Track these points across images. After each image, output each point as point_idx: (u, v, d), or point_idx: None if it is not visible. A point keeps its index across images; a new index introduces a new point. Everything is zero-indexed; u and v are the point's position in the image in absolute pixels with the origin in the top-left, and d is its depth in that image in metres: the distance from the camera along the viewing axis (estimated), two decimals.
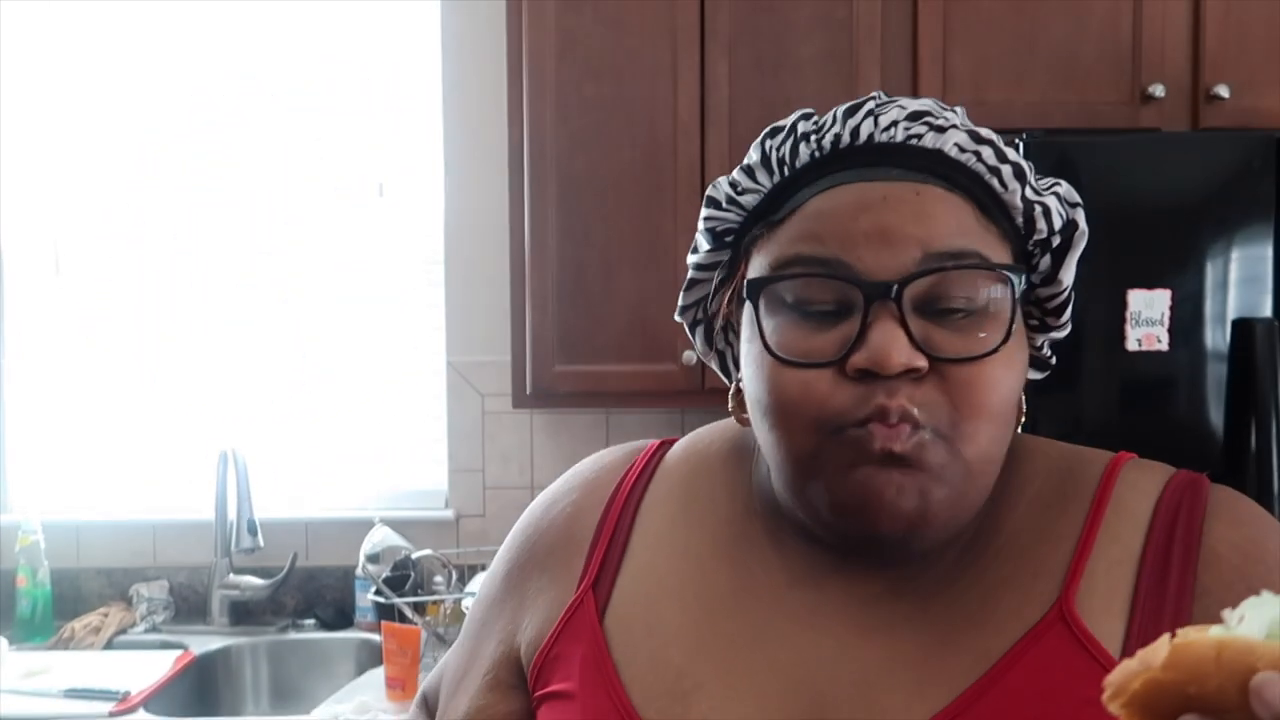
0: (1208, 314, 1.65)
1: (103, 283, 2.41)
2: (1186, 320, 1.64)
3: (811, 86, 2.02)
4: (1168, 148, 1.73)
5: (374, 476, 2.41)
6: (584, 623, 0.69)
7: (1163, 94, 1.99)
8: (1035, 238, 0.66)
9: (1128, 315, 1.63)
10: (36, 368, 2.41)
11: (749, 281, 0.65)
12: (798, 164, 0.66)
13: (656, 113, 2.02)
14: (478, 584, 1.78)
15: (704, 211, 0.70)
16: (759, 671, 0.64)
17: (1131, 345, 1.64)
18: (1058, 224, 0.66)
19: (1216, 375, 1.65)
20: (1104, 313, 1.65)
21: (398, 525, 2.28)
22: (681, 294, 0.74)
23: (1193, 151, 1.69)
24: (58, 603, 2.26)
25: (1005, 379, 0.62)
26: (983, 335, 0.61)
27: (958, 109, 0.67)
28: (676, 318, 0.76)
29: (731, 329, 0.73)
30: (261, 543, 2.20)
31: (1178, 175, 1.68)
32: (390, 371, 2.42)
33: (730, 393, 0.73)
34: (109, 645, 2.17)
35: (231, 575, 2.27)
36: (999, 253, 0.64)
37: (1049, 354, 0.74)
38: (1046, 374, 0.74)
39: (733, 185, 0.68)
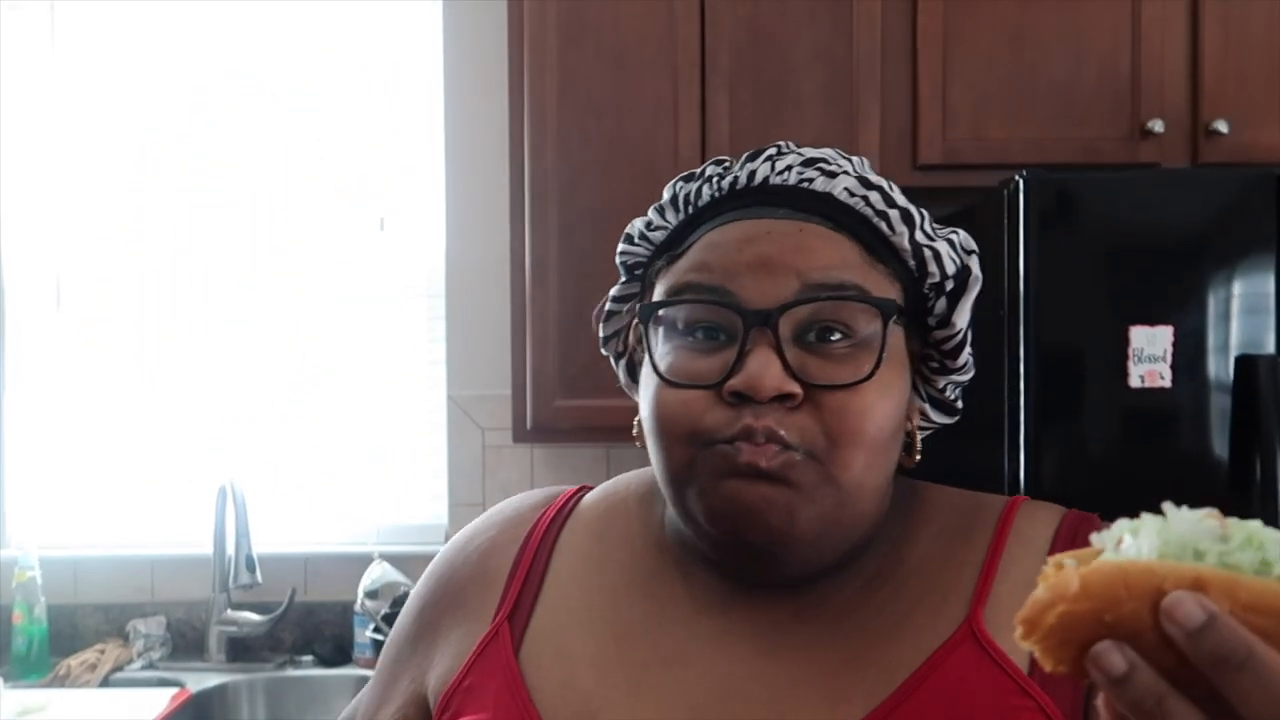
0: (1211, 350, 1.64)
1: (103, 317, 2.41)
2: (1189, 356, 1.64)
3: (812, 122, 2.03)
4: (1167, 183, 1.73)
5: (373, 511, 2.39)
6: (498, 654, 0.70)
7: (1162, 129, 1.99)
8: (929, 280, 0.70)
9: (1130, 352, 1.63)
10: (36, 402, 2.40)
11: (641, 306, 0.70)
12: (700, 203, 0.71)
13: (658, 148, 2.03)
14: None
15: (620, 247, 0.75)
16: (668, 693, 0.66)
17: (1134, 382, 1.63)
18: (950, 269, 0.70)
19: (1220, 411, 1.64)
20: (1106, 349, 1.65)
21: (397, 560, 2.26)
22: (600, 326, 0.78)
23: (1192, 187, 1.69)
24: (54, 639, 2.24)
25: (879, 407, 0.65)
26: (857, 365, 0.65)
27: (858, 158, 0.72)
28: (602, 350, 0.80)
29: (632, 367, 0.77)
30: (260, 579, 2.19)
31: (1178, 211, 1.68)
32: (390, 406, 2.41)
33: (636, 419, 0.76)
34: (105, 682, 2.15)
35: (229, 611, 2.25)
36: (886, 290, 0.68)
37: (954, 398, 0.76)
38: (956, 419, 0.77)
39: (646, 224, 0.74)
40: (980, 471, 1.83)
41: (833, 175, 0.69)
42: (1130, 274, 1.66)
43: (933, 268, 0.70)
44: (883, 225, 0.69)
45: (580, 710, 0.67)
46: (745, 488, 0.63)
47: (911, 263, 0.70)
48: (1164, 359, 1.63)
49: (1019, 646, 0.62)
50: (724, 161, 0.72)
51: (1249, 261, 1.65)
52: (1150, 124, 2.00)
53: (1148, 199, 1.68)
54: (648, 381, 0.69)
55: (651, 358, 0.68)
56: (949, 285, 0.70)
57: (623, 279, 0.76)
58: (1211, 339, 1.64)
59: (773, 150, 0.71)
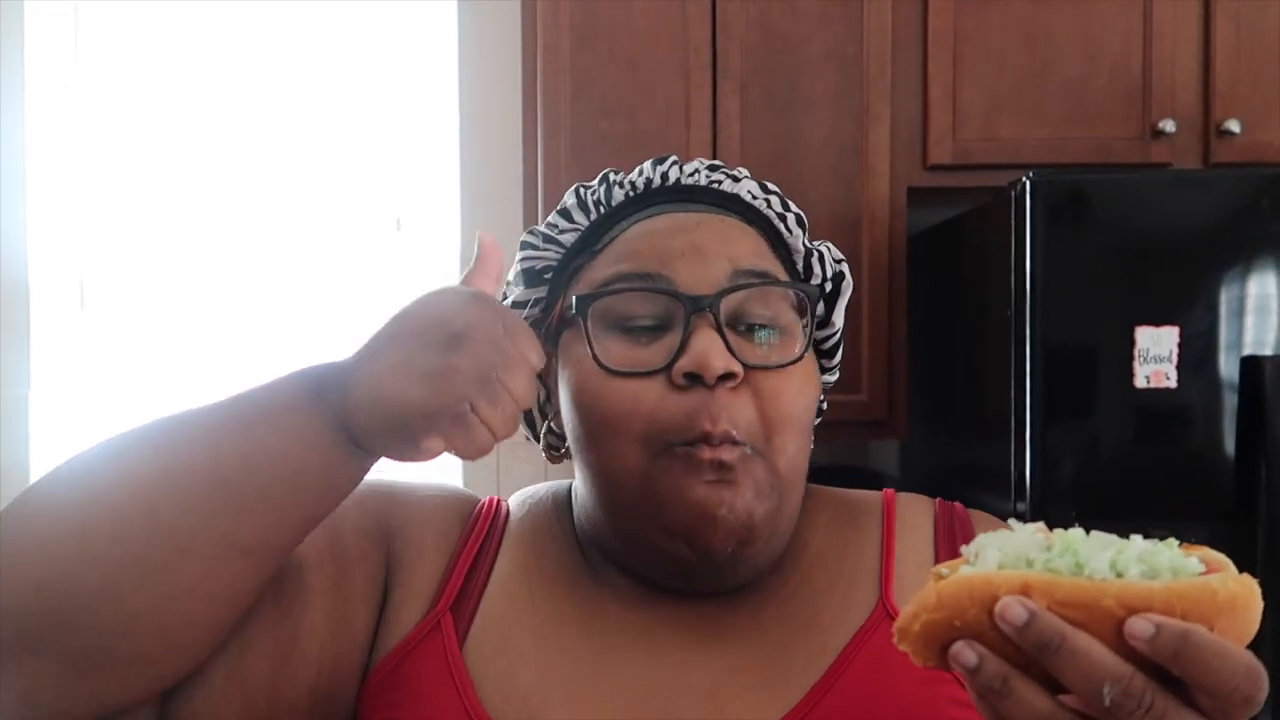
0: (1218, 350, 1.65)
1: (126, 315, 2.45)
2: (1195, 357, 1.64)
3: (822, 123, 2.04)
4: (1178, 183, 1.73)
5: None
6: (440, 647, 0.68)
7: (1174, 129, 1.99)
8: (813, 282, 0.75)
9: (1136, 352, 1.63)
10: (61, 399, 2.45)
11: (578, 298, 0.69)
12: (613, 203, 0.74)
13: (670, 149, 2.04)
14: None
15: (520, 254, 0.75)
16: (606, 686, 0.67)
17: (1140, 382, 1.64)
18: (829, 270, 0.76)
19: (1226, 411, 1.64)
20: (1113, 349, 1.65)
21: None
22: None
23: (1203, 187, 1.70)
24: None
25: (805, 392, 0.69)
26: (783, 352, 0.69)
27: (742, 169, 0.77)
28: None
29: (542, 381, 0.76)
30: None
31: (1187, 211, 1.68)
32: None
33: (542, 432, 0.78)
34: None
35: None
36: (795, 295, 0.72)
37: (822, 398, 0.79)
38: (819, 419, 0.80)
39: (552, 226, 0.75)
40: (987, 470, 1.84)
41: (736, 180, 0.74)
42: (1137, 274, 1.66)
43: (818, 269, 0.75)
44: (782, 226, 0.74)
45: (520, 708, 0.66)
46: (710, 494, 0.64)
47: (801, 264, 0.74)
48: (1169, 360, 1.63)
49: None
50: (618, 171, 0.75)
51: (1257, 262, 1.65)
52: (1162, 124, 2.00)
53: (1157, 199, 1.68)
54: (584, 378, 0.68)
55: (591, 347, 0.67)
56: (828, 288, 0.76)
57: (522, 286, 0.75)
58: (1218, 339, 1.65)
59: (674, 157, 0.75)
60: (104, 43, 2.42)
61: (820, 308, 0.75)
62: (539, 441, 0.80)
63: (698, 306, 0.66)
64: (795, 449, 0.68)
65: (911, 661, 0.65)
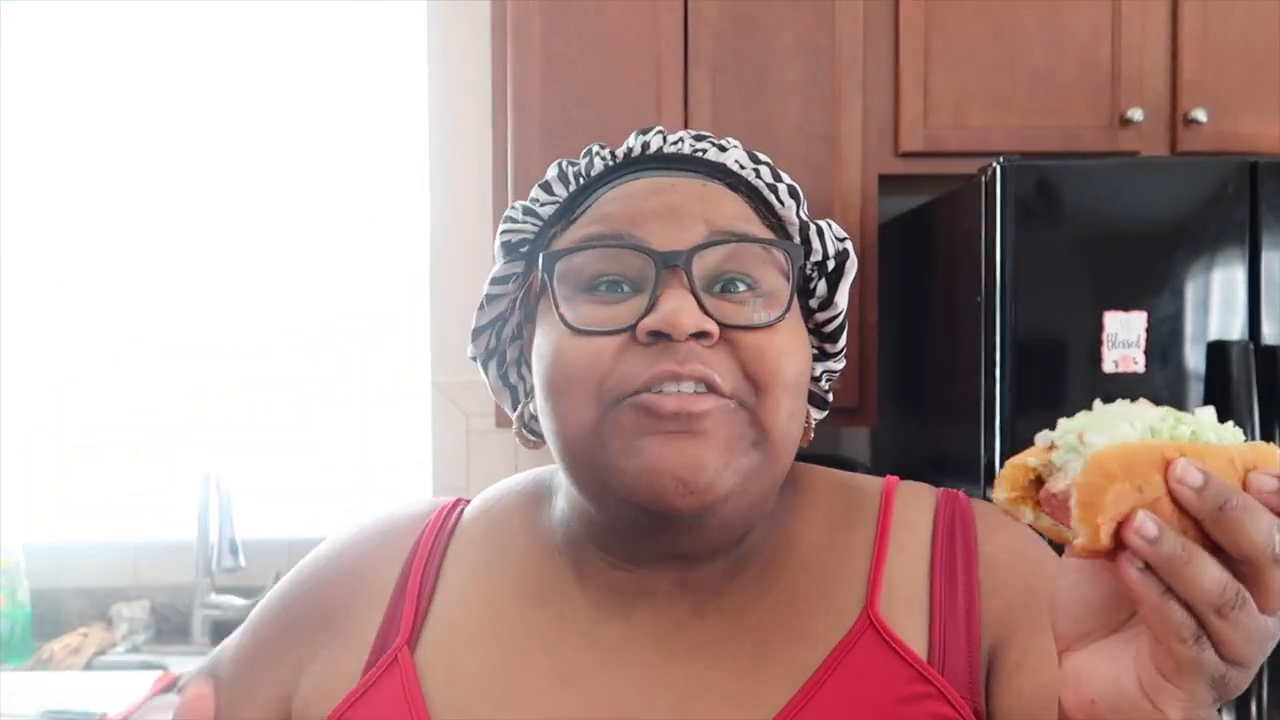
0: (1184, 336, 1.66)
1: (88, 304, 2.41)
2: (1163, 342, 1.65)
3: (794, 111, 2.04)
4: (1145, 171, 1.74)
5: (357, 496, 2.40)
6: (398, 683, 0.65)
7: (1141, 118, 2.01)
8: (812, 258, 0.70)
9: (1104, 337, 1.64)
10: (22, 389, 2.40)
11: (543, 255, 0.65)
12: (593, 173, 0.69)
13: None
14: None
15: (500, 228, 0.71)
16: (571, 711, 0.63)
17: (1108, 367, 1.65)
18: (831, 249, 0.70)
19: (1193, 396, 1.66)
20: (1082, 335, 1.66)
21: None
22: (476, 314, 0.73)
23: (1170, 175, 1.71)
24: (37, 623, 2.24)
25: (795, 353, 0.64)
26: (767, 313, 0.64)
27: (731, 139, 0.71)
28: (469, 348, 0.75)
29: (525, 362, 0.73)
30: (243, 562, 2.20)
31: (1155, 199, 1.69)
32: (374, 391, 2.42)
33: (515, 416, 0.74)
34: (89, 666, 2.16)
35: (213, 595, 2.26)
36: (779, 256, 0.66)
37: (826, 388, 0.75)
38: (826, 413, 0.76)
39: (533, 200, 0.71)
40: (957, 456, 1.84)
41: (723, 149, 0.69)
42: (1106, 260, 1.67)
43: (816, 244, 0.70)
44: (773, 197, 0.69)
45: None
46: (665, 446, 0.59)
47: (797, 237, 0.70)
48: (1138, 344, 1.65)
49: (916, 634, 0.64)
50: (604, 146, 0.71)
51: (1223, 250, 1.67)
52: (1130, 113, 2.01)
53: (1125, 187, 1.69)
54: (549, 339, 0.64)
55: (556, 305, 0.63)
56: (830, 265, 0.70)
57: (503, 259, 0.71)
58: (1185, 325, 1.66)
59: (659, 126, 0.71)
60: (75, 38, 2.37)
61: (822, 286, 0.70)
62: (515, 424, 0.75)
63: (668, 263, 0.61)
64: (788, 411, 0.63)
65: (892, 676, 0.62)
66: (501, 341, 0.74)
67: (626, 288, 0.64)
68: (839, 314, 0.72)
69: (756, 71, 2.04)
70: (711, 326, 0.61)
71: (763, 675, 0.64)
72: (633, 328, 0.61)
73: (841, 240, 0.71)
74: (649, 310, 0.61)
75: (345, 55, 2.39)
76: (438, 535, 0.73)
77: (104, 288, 2.40)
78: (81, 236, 2.40)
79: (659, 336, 0.60)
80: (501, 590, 0.69)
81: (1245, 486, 0.44)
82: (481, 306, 0.72)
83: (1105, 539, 0.44)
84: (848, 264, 0.71)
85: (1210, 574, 0.43)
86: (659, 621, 0.66)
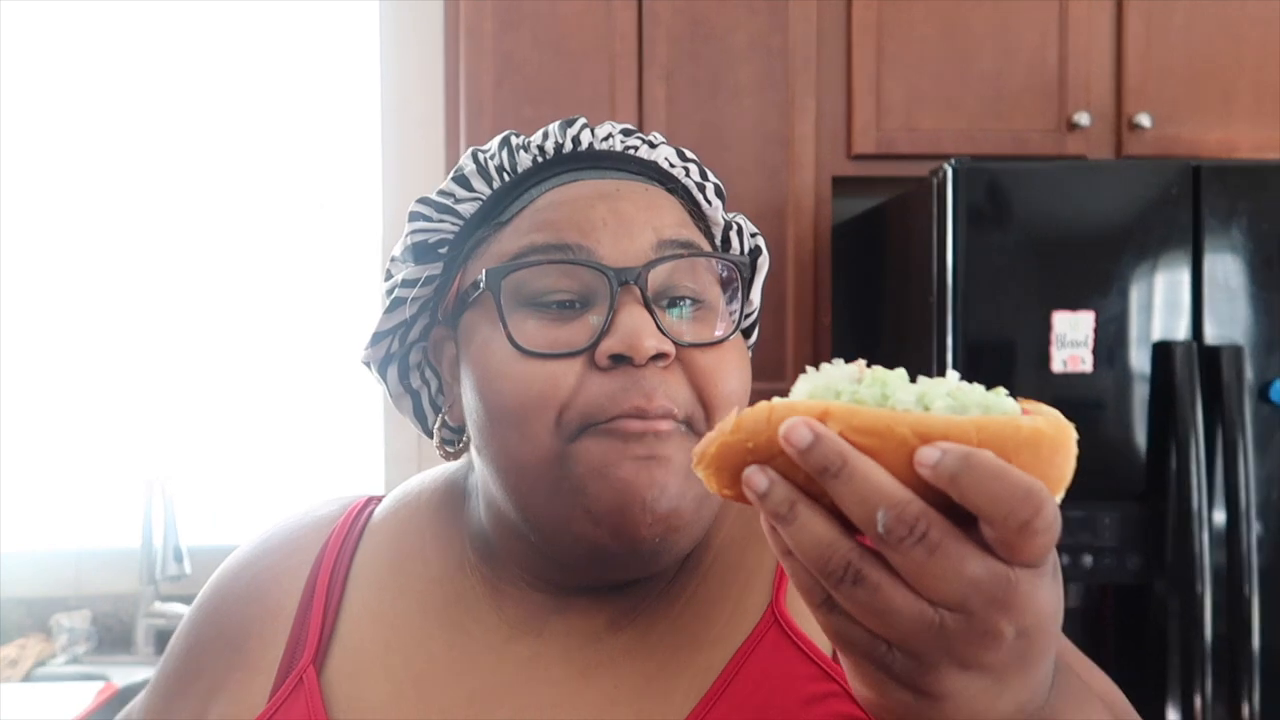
0: (1130, 336, 1.69)
1: (24, 306, 2.34)
2: (1110, 342, 1.68)
3: (747, 112, 2.04)
4: (1092, 174, 1.77)
5: (306, 499, 2.36)
6: (304, 705, 0.63)
7: (1088, 122, 2.05)
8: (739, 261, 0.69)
9: (1053, 337, 1.67)
10: None
11: (488, 271, 0.61)
12: (519, 169, 0.66)
13: None
14: None
15: (410, 227, 0.67)
16: None
17: (1057, 366, 1.67)
18: (747, 245, 0.70)
19: (1139, 396, 1.68)
20: (1031, 335, 1.68)
21: None
22: (380, 319, 0.69)
23: (1116, 178, 1.74)
24: None
25: (740, 370, 0.63)
26: (711, 328, 0.63)
27: (658, 135, 0.70)
28: (363, 354, 0.71)
29: (428, 365, 0.71)
30: (189, 570, 2.15)
31: (1102, 201, 1.72)
32: (324, 393, 2.38)
33: (435, 427, 0.71)
34: (27, 678, 2.10)
35: (158, 604, 2.20)
36: (718, 266, 0.66)
37: None
38: None
39: (446, 195, 0.66)
40: None
41: (653, 145, 0.68)
42: (1054, 261, 1.70)
43: (735, 243, 0.70)
44: (701, 197, 0.68)
45: None
46: (638, 473, 0.58)
47: (719, 237, 0.69)
48: (1085, 344, 1.67)
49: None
50: (519, 134, 0.67)
51: (1167, 251, 1.70)
52: (1076, 117, 2.05)
53: (1073, 189, 1.72)
54: (491, 361, 0.61)
55: (505, 326, 0.60)
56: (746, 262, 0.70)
57: (413, 261, 0.67)
58: (1131, 326, 1.69)
59: (583, 119, 0.67)
60: (18, 30, 2.31)
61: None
62: (431, 437, 0.72)
63: (623, 280, 0.59)
64: None
65: (796, 676, 0.60)
66: (404, 345, 0.70)
67: (574, 301, 0.61)
68: (754, 311, 0.71)
69: (711, 73, 2.04)
70: (669, 347, 0.59)
71: (669, 684, 0.61)
72: (590, 349, 0.59)
73: (754, 235, 0.71)
74: (606, 331, 0.59)
75: (298, 50, 2.35)
76: (344, 542, 0.70)
77: (40, 289, 2.34)
78: (17, 235, 2.34)
79: (619, 360, 0.58)
80: (409, 607, 0.66)
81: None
82: (387, 310, 0.68)
83: (713, 487, 0.44)
84: (760, 260, 0.71)
85: (811, 535, 0.41)
86: (572, 637, 0.64)
